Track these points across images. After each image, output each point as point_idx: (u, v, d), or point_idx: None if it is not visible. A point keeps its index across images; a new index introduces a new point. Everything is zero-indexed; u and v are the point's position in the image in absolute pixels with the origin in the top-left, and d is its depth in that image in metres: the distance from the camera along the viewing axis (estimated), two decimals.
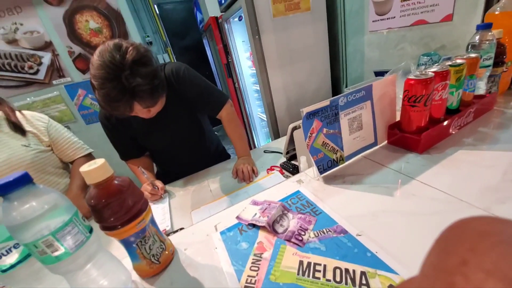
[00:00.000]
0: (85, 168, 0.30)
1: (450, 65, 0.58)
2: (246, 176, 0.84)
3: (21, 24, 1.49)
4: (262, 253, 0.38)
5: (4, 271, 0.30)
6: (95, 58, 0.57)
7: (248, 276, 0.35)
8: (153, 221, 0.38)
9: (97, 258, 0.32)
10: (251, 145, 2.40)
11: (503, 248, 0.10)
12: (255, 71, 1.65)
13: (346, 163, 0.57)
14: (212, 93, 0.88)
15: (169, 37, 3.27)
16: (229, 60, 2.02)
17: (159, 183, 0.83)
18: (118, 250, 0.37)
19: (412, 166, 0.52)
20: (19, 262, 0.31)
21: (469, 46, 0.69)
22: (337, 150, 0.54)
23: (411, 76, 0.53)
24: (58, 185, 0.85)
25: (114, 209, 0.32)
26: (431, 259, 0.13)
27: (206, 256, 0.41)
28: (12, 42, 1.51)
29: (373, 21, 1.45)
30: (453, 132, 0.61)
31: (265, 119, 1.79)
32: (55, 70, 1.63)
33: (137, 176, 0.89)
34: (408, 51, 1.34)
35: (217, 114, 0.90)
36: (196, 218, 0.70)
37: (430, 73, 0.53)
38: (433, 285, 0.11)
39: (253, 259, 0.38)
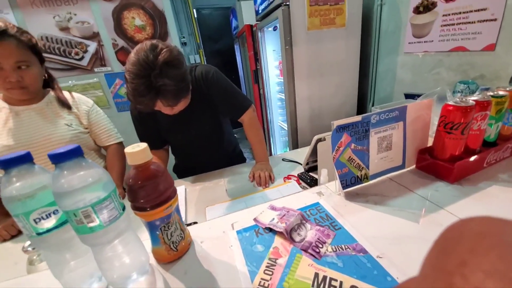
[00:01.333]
0: (129, 149, 0.33)
1: (492, 96, 0.55)
2: (263, 181, 0.84)
3: (75, 14, 1.64)
4: (277, 259, 0.38)
5: (39, 233, 0.32)
6: (132, 55, 0.62)
7: (262, 279, 0.35)
8: (177, 210, 0.40)
9: (125, 235, 0.34)
10: (268, 151, 2.40)
11: (502, 249, 0.10)
12: (281, 80, 1.67)
13: (370, 182, 0.56)
14: (236, 97, 0.91)
15: (203, 40, 3.42)
16: (258, 67, 2.06)
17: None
18: (140, 233, 0.39)
19: (441, 195, 0.49)
20: (54, 228, 0.33)
21: None
22: (363, 167, 0.53)
23: (451, 102, 0.51)
24: None
25: (147, 191, 0.34)
26: (430, 260, 0.13)
27: (221, 252, 0.41)
28: (65, 29, 1.66)
29: (409, 43, 1.43)
30: (488, 166, 0.57)
31: (285, 128, 1.80)
32: (98, 59, 1.76)
33: None
34: (443, 77, 1.30)
35: (240, 117, 0.93)
36: (210, 215, 0.71)
37: (470, 101, 0.51)
38: (433, 286, 0.11)
39: (267, 263, 0.38)
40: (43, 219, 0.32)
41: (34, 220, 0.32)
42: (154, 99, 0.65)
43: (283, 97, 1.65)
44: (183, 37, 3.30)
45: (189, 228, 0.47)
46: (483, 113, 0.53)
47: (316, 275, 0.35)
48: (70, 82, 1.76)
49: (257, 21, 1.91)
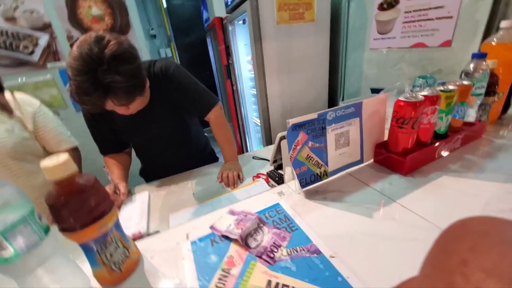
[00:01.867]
0: (45, 163, 0.28)
1: (442, 90, 0.58)
2: (231, 182, 0.82)
3: (22, 3, 1.46)
4: (231, 269, 0.36)
5: None
6: (74, 48, 0.55)
7: None
8: (118, 226, 0.36)
9: (51, 261, 0.30)
10: (243, 148, 2.38)
11: (502, 248, 0.10)
12: (253, 76, 1.65)
13: (330, 178, 0.56)
14: (200, 94, 0.86)
15: (174, 32, 3.25)
16: (230, 62, 2.01)
17: (122, 187, 0.78)
18: (79, 253, 0.35)
19: (394, 188, 0.51)
20: None
21: (463, 73, 0.69)
22: (322, 164, 0.53)
23: (401, 98, 0.52)
24: (37, 174, 0.82)
25: (73, 208, 0.30)
26: (431, 259, 0.13)
27: (172, 267, 0.39)
28: (11, 19, 1.47)
29: (374, 39, 1.47)
30: (439, 157, 0.61)
31: (259, 124, 1.78)
32: (51, 53, 1.59)
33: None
34: (405, 72, 1.36)
35: (205, 116, 0.88)
36: (173, 222, 0.67)
37: (420, 96, 0.53)
38: (433, 285, 0.11)
39: (220, 274, 0.36)
40: None
41: None
42: (102, 97, 0.58)
43: (255, 93, 1.63)
44: (152, 29, 3.09)
45: (139, 242, 0.43)
46: (432, 108, 0.55)
47: (269, 282, 0.34)
48: (19, 79, 1.57)
49: (227, 13, 1.85)
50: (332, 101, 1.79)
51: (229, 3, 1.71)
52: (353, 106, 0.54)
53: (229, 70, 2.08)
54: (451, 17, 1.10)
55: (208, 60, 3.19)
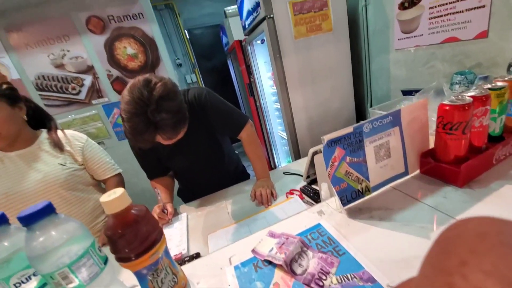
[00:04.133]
0: (105, 198, 0.31)
1: (490, 89, 0.52)
2: (264, 200, 0.81)
3: (68, 51, 1.69)
4: None
5: None
6: (125, 93, 0.61)
7: None
8: (166, 252, 0.37)
9: None
10: (271, 164, 2.37)
11: (502, 249, 0.10)
12: (275, 91, 1.67)
13: (373, 194, 0.52)
14: (232, 115, 0.90)
15: (197, 59, 3.49)
16: (251, 80, 2.07)
17: (169, 207, 0.84)
18: (132, 279, 0.37)
19: (450, 202, 0.46)
20: None
21: (511, 66, 0.62)
22: (362, 180, 0.50)
23: (446, 101, 0.48)
24: (88, 201, 0.89)
25: (129, 240, 0.31)
26: (430, 260, 0.13)
27: None
28: (60, 66, 1.71)
29: (399, 39, 1.41)
30: (498, 163, 0.54)
31: (285, 138, 1.77)
32: (95, 91, 1.79)
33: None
34: (439, 69, 1.27)
35: (238, 135, 0.92)
36: (212, 242, 0.68)
37: (467, 97, 0.48)
38: (432, 285, 0.11)
39: None
40: (23, 282, 0.30)
41: (15, 285, 0.30)
42: (153, 134, 0.63)
43: (279, 107, 1.64)
44: (178, 59, 3.38)
45: (184, 267, 0.44)
46: (483, 109, 0.50)
47: None
48: (69, 117, 1.79)
49: (245, 35, 1.94)
50: (360, 108, 1.73)
51: (246, 26, 1.80)
52: (391, 115, 0.51)
53: (251, 88, 2.14)
54: (483, 6, 1.02)
55: (230, 81, 3.34)
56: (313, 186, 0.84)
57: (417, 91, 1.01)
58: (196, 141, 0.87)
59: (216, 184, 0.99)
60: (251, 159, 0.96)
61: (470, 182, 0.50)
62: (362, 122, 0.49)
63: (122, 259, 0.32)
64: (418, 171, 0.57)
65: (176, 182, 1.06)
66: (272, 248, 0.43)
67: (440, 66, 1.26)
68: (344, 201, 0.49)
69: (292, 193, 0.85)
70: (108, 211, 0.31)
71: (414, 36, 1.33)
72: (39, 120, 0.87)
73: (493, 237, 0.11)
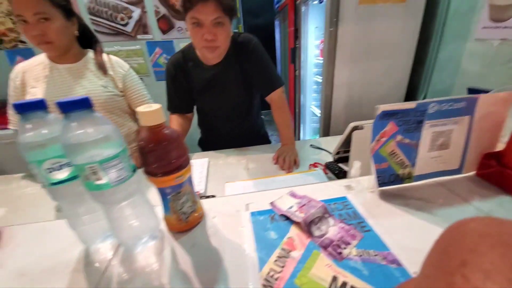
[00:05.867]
0: (141, 109, 0.30)
1: None
2: (287, 165, 0.80)
3: None
4: (291, 251, 0.34)
5: (52, 184, 0.32)
6: None
7: (271, 269, 0.32)
8: (190, 181, 0.37)
9: (134, 198, 0.33)
10: (295, 136, 2.32)
11: (502, 249, 0.10)
12: (320, 61, 1.53)
13: (413, 183, 0.47)
14: (271, 72, 0.89)
15: (243, 14, 3.28)
16: (296, 45, 1.92)
17: None
18: (154, 197, 0.38)
19: (506, 212, 0.39)
20: (67, 180, 0.33)
21: None
22: (407, 165, 0.45)
23: None
24: (122, 126, 0.94)
25: (158, 156, 0.31)
26: (431, 260, 0.13)
27: (232, 232, 0.39)
28: None
29: (483, 28, 1.17)
30: None
31: (317, 114, 1.68)
32: (141, 25, 1.79)
33: None
34: None
35: (269, 94, 0.90)
36: (228, 191, 0.69)
37: None
38: (433, 285, 0.11)
39: (279, 253, 0.34)
40: (56, 170, 0.32)
41: (47, 169, 0.31)
42: None
43: (320, 81, 1.52)
44: None
45: (203, 201, 0.45)
46: None
47: (335, 278, 0.30)
48: (115, 47, 1.83)
49: None
50: (410, 99, 1.55)
51: None
52: (466, 100, 0.43)
53: (294, 54, 1.99)
54: None
55: (273, 44, 3.14)
56: (340, 165, 0.79)
57: (487, 91, 0.86)
58: (232, 83, 0.88)
59: (236, 138, 1.00)
60: (278, 124, 0.94)
61: None
62: (428, 99, 0.42)
63: (150, 173, 0.33)
64: (473, 172, 0.49)
65: (196, 131, 1.07)
66: (292, 206, 0.41)
67: None
68: (380, 182, 0.45)
69: (316, 166, 0.82)
70: (143, 122, 0.31)
71: (504, 27, 1.09)
72: (87, 40, 0.89)
73: (493, 237, 0.10)
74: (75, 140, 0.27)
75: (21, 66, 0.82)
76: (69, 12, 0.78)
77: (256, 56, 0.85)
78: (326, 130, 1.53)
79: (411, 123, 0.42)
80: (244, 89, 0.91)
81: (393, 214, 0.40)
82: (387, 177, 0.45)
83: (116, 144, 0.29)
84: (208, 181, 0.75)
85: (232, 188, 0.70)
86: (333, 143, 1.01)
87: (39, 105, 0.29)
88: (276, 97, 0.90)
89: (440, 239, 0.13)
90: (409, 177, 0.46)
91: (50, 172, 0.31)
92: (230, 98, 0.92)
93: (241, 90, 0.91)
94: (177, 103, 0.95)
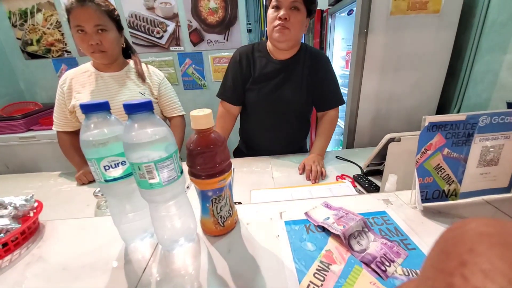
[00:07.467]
0: (194, 112, 0.32)
1: None
2: (313, 175, 0.78)
3: None
4: (331, 264, 0.33)
5: (107, 180, 0.34)
6: None
7: (311, 282, 0.31)
8: (230, 185, 0.38)
9: (179, 198, 0.34)
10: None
11: (502, 248, 0.10)
12: (346, 73, 1.52)
13: (459, 201, 0.44)
14: (336, 89, 0.94)
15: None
16: None
17: None
18: (192, 202, 0.39)
19: None
20: (120, 177, 0.35)
21: None
22: (453, 181, 0.42)
23: None
24: None
25: (205, 159, 0.33)
26: (431, 260, 0.13)
27: (267, 239, 0.38)
28: (151, 8, 1.84)
29: None
30: None
31: (341, 127, 1.65)
32: (174, 38, 1.91)
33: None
34: None
35: (329, 109, 0.95)
36: (254, 198, 0.69)
37: None
38: (433, 286, 0.11)
39: (318, 266, 0.33)
40: (112, 167, 0.34)
41: (104, 167, 0.34)
42: None
43: (346, 92, 1.50)
44: (249, 24, 3.32)
45: (236, 207, 0.45)
46: None
47: None
48: (149, 58, 1.97)
49: (329, 5, 1.76)
50: (442, 112, 1.47)
51: None
52: None
53: None
54: None
55: None
56: (370, 178, 0.77)
57: None
58: (291, 81, 0.89)
59: (277, 145, 0.99)
60: (318, 134, 0.96)
61: None
62: (479, 112, 0.39)
63: (195, 175, 0.34)
64: None
65: (235, 140, 1.08)
66: (329, 218, 0.40)
67: None
68: (423, 197, 0.42)
69: (344, 178, 0.80)
70: (194, 126, 0.32)
71: None
72: (126, 51, 0.97)
73: (494, 237, 0.10)
74: (137, 140, 0.29)
75: (69, 73, 0.90)
76: (120, 26, 0.87)
77: (326, 69, 0.89)
78: (350, 142, 1.49)
79: (460, 136, 0.40)
80: (301, 93, 0.90)
81: (439, 233, 0.38)
82: (431, 193, 0.43)
83: (170, 145, 0.31)
84: (233, 188, 0.75)
85: (258, 195, 0.70)
86: (358, 155, 0.98)
87: (103, 106, 0.32)
88: (333, 113, 0.95)
89: (440, 239, 0.13)
90: (454, 194, 0.43)
91: (107, 169, 0.33)
92: (285, 94, 0.89)
93: (297, 91, 0.89)
94: (228, 89, 0.93)
